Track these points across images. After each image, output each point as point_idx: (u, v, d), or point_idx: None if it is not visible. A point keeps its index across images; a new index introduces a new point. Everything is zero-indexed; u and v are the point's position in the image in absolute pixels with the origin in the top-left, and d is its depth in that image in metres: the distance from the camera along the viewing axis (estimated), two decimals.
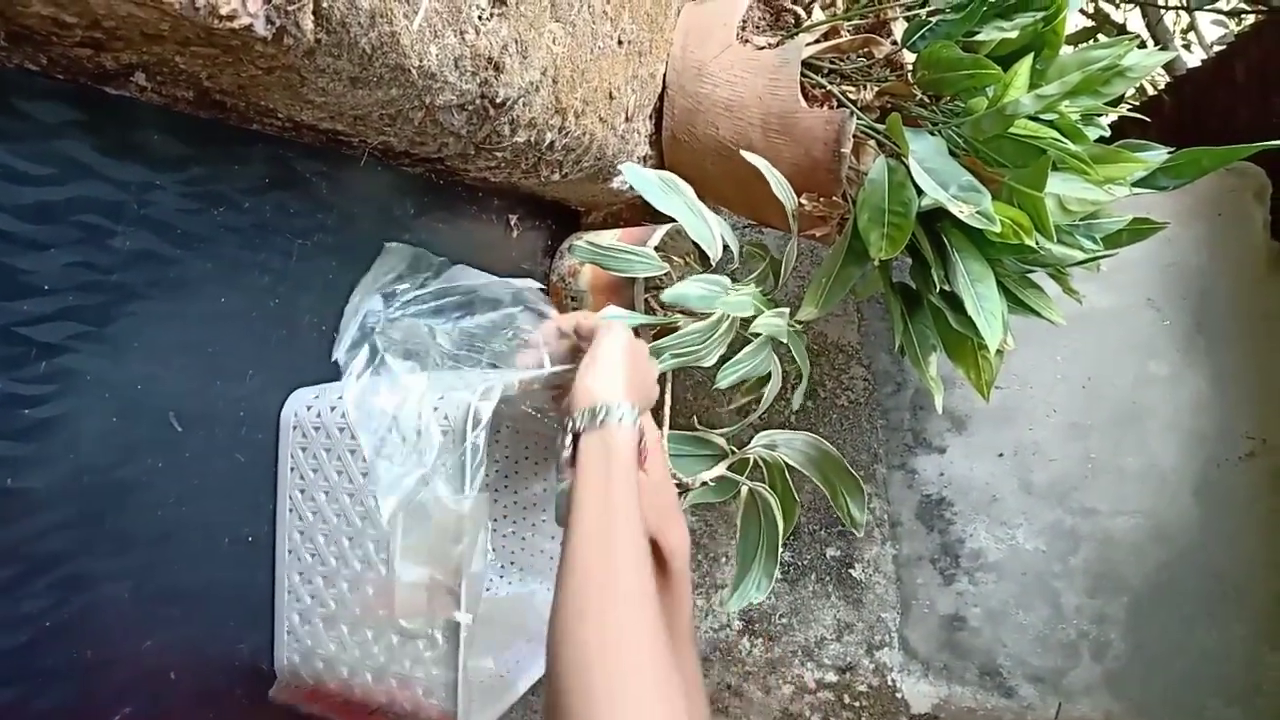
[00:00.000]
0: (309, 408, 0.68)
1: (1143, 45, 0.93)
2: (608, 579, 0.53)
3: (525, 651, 0.82)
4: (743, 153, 0.87)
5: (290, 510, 0.69)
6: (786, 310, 0.90)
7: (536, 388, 0.71)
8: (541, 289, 0.90)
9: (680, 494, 0.91)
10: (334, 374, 0.73)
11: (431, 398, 0.64)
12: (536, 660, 0.81)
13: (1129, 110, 1.03)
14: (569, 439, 0.61)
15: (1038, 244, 0.83)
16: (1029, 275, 0.97)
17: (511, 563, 0.92)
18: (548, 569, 0.90)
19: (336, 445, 0.66)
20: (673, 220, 0.86)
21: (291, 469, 0.68)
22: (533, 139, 0.78)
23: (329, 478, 0.67)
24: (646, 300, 1.02)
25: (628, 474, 0.60)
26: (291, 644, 0.69)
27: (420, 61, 0.56)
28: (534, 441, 0.92)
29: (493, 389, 0.63)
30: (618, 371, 0.65)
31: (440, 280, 0.83)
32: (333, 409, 0.67)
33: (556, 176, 0.92)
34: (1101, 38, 2.05)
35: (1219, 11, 2.20)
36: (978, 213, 0.79)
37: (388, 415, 0.64)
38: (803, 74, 0.93)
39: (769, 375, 0.93)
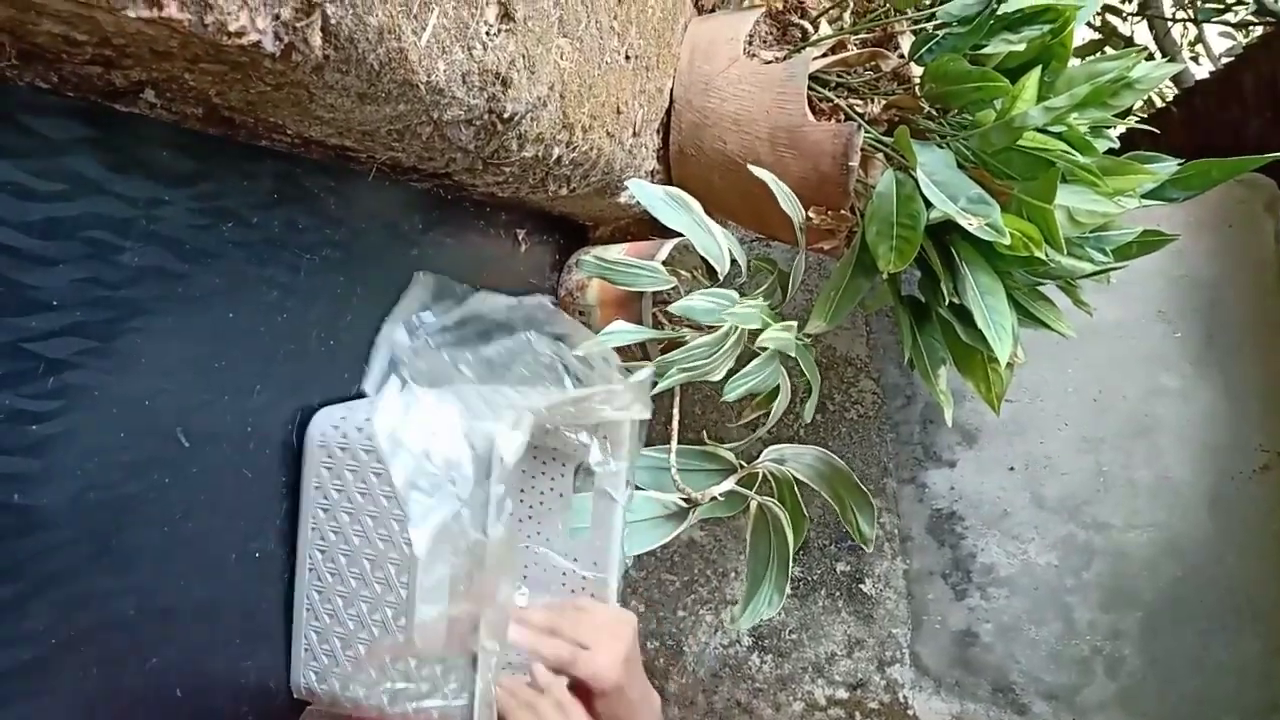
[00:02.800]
0: (335, 427, 0.68)
1: (1151, 57, 0.93)
2: None
3: None
4: (750, 167, 0.87)
5: (313, 529, 0.68)
6: (794, 324, 0.90)
7: (563, 410, 0.71)
8: (553, 302, 0.90)
9: (689, 509, 0.91)
10: (343, 388, 0.73)
11: (462, 428, 0.64)
12: None
13: (1137, 122, 1.02)
14: None
15: (1047, 256, 0.83)
16: (1039, 288, 0.96)
17: (524, 578, 0.92)
18: (557, 584, 0.90)
19: (362, 468, 0.66)
20: (680, 235, 0.86)
21: (316, 487, 0.68)
22: (540, 154, 0.78)
23: (353, 499, 0.66)
24: (654, 314, 1.02)
25: None
26: (309, 662, 0.69)
27: (428, 77, 0.56)
28: (550, 456, 0.92)
29: (522, 419, 0.63)
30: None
31: (462, 309, 0.84)
32: (359, 430, 0.66)
33: (564, 191, 0.92)
34: (1109, 50, 2.04)
35: (1227, 24, 2.20)
36: (987, 225, 0.79)
37: (418, 447, 0.63)
38: (810, 88, 0.93)
39: (777, 389, 0.92)
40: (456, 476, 0.62)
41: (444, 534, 0.61)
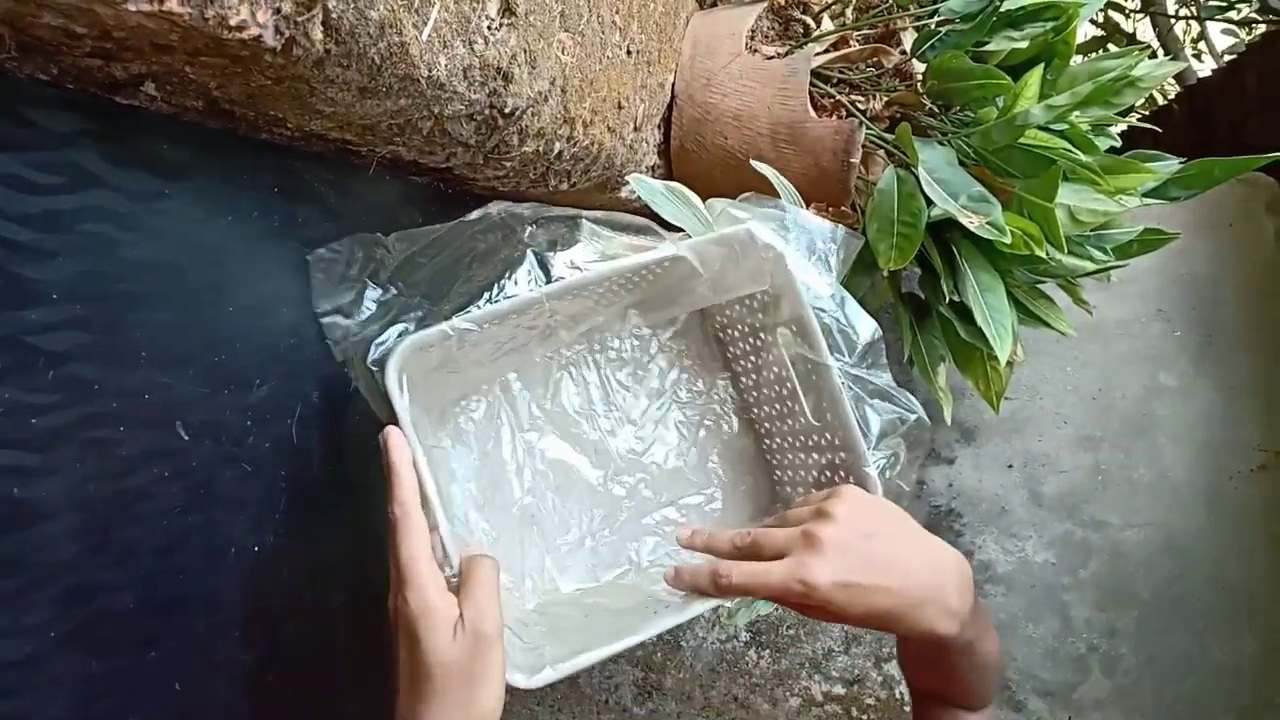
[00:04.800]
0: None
1: (1153, 55, 0.93)
2: None
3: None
4: (752, 162, 0.87)
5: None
6: None
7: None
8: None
9: None
10: (344, 384, 0.73)
11: None
12: None
13: (1139, 120, 1.02)
14: None
15: (1048, 255, 0.83)
16: (1039, 286, 0.96)
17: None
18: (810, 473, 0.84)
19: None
20: (681, 230, 0.86)
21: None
22: (541, 149, 0.78)
23: None
24: None
25: None
26: None
27: (429, 71, 0.56)
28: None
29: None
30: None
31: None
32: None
33: (565, 186, 0.92)
34: (1112, 47, 2.04)
35: (1230, 21, 2.20)
36: (988, 223, 0.79)
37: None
38: (812, 84, 0.93)
39: None
40: None
41: None
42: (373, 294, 0.71)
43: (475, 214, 0.78)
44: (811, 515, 0.62)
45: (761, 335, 0.80)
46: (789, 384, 0.77)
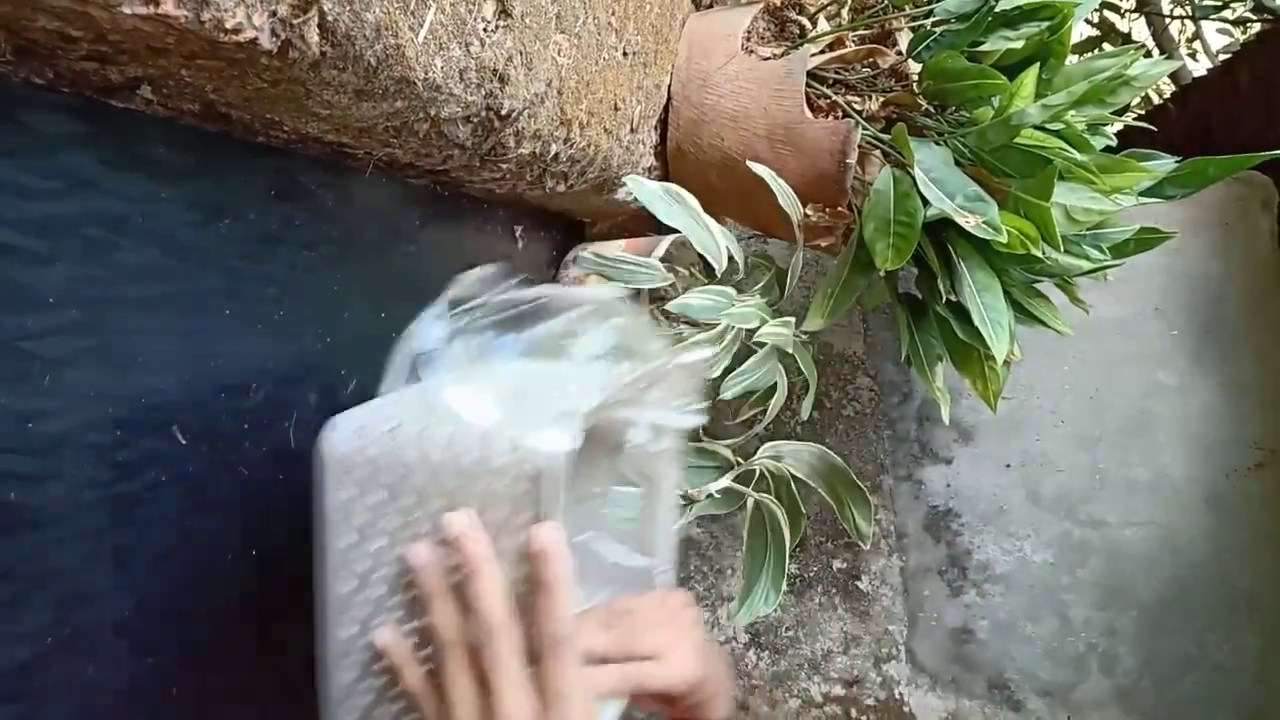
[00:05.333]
0: (357, 436, 0.57)
1: (1148, 54, 0.93)
2: None
3: None
4: (749, 163, 0.87)
5: (341, 561, 0.57)
6: (791, 320, 0.90)
7: (616, 397, 0.61)
8: (621, 295, 0.83)
9: (686, 505, 0.91)
10: (341, 386, 0.73)
11: (502, 435, 0.54)
12: None
13: (1135, 119, 1.02)
14: None
15: (1044, 254, 0.83)
16: (1036, 285, 0.96)
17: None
18: (609, 576, 0.83)
19: (397, 483, 0.55)
20: (678, 231, 0.86)
21: (340, 510, 0.57)
22: (538, 150, 0.78)
23: (386, 521, 0.56)
24: (651, 311, 1.02)
25: None
26: (349, 707, 0.58)
27: (425, 74, 0.56)
28: (599, 437, 0.86)
29: (571, 422, 0.53)
30: None
31: (506, 295, 0.72)
32: (380, 444, 0.56)
33: (561, 188, 0.92)
34: (1107, 46, 2.05)
35: (1225, 20, 2.20)
36: (984, 223, 0.79)
37: (437, 464, 0.54)
38: (808, 84, 0.93)
39: (774, 386, 0.93)
40: (492, 493, 0.53)
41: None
42: None
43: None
44: None
45: None
46: None
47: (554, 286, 0.77)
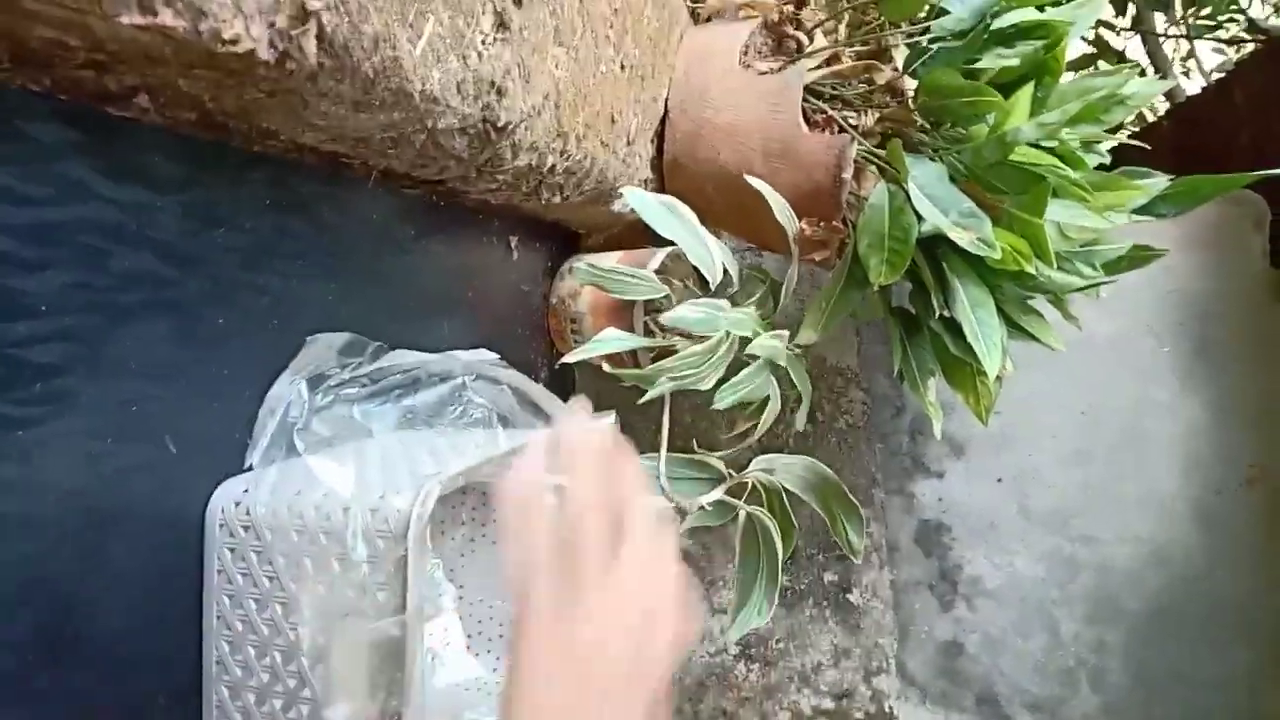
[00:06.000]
0: (237, 503, 0.61)
1: (1143, 73, 0.94)
2: None
3: None
4: (745, 177, 0.87)
5: (218, 618, 0.61)
6: (785, 333, 0.90)
7: (490, 470, 0.63)
8: (499, 360, 0.83)
9: (679, 517, 0.91)
10: None
11: (364, 503, 0.58)
12: None
13: (1129, 137, 1.03)
14: None
15: (1037, 270, 0.83)
16: (1028, 301, 0.97)
17: (480, 633, 0.87)
18: (497, 636, 0.85)
19: (268, 549, 0.59)
20: (673, 243, 0.86)
21: (219, 571, 0.61)
22: (534, 162, 0.78)
23: (259, 584, 0.60)
24: (646, 323, 1.02)
25: None
26: None
27: (423, 85, 0.56)
28: (477, 496, 0.88)
29: (430, 491, 0.56)
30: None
31: (377, 363, 0.75)
32: (262, 506, 0.60)
33: (558, 199, 0.92)
34: (1102, 64, 2.06)
35: (1219, 39, 2.22)
36: (978, 239, 0.79)
37: (310, 528, 0.58)
38: (804, 99, 0.94)
39: (767, 399, 0.93)
40: (356, 560, 0.56)
41: (344, 625, 0.56)
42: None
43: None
44: None
45: None
46: None
47: (423, 355, 0.79)
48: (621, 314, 1.02)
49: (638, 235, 1.23)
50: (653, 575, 0.48)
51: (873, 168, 0.94)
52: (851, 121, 0.96)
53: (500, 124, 0.68)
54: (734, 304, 0.89)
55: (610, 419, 0.76)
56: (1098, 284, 0.92)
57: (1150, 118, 2.11)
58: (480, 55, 0.61)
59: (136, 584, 0.55)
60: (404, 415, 0.74)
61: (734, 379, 0.87)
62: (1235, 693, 1.19)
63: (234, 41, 0.42)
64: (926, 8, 0.93)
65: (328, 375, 0.70)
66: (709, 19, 1.15)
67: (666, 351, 0.87)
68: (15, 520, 0.46)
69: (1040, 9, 0.86)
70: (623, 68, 0.90)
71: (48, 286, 0.47)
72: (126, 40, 0.41)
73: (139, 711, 0.57)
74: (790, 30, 1.03)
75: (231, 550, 0.61)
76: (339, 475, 0.61)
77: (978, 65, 0.90)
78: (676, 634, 0.48)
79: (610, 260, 1.04)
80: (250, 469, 0.64)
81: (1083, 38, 2.09)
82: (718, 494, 0.91)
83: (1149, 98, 0.94)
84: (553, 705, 0.41)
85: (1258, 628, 1.19)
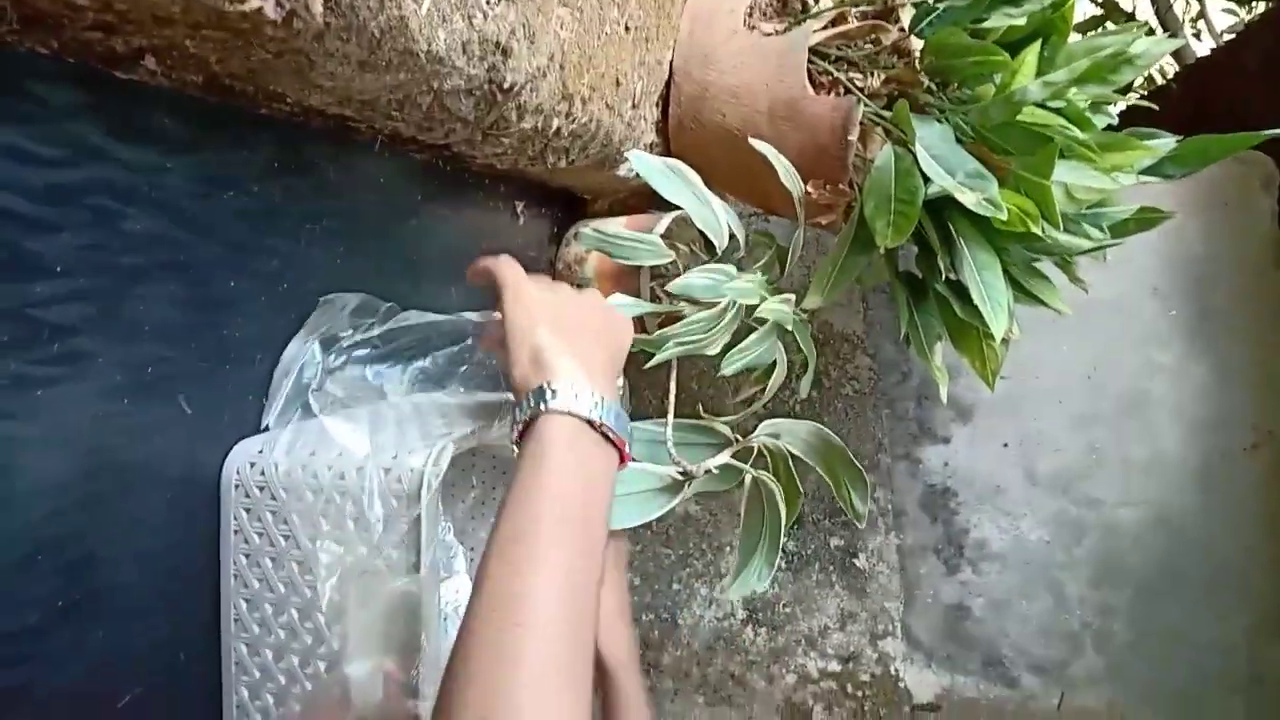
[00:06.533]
0: (252, 464, 0.62)
1: (1151, 33, 0.93)
2: (515, 645, 0.42)
3: None
4: (750, 140, 0.87)
5: (235, 576, 0.63)
6: (791, 298, 0.90)
7: (500, 433, 0.65)
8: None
9: (685, 482, 0.91)
10: None
11: (378, 462, 0.59)
12: None
13: (1138, 98, 1.02)
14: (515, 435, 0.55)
15: (1044, 232, 0.83)
16: (1035, 264, 0.96)
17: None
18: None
19: (283, 508, 0.61)
20: (679, 208, 0.86)
21: (236, 531, 0.63)
22: (540, 125, 0.78)
23: (275, 542, 0.61)
24: (652, 288, 1.02)
25: (569, 472, 0.51)
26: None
27: (428, 46, 0.56)
28: (487, 460, 0.89)
29: (444, 450, 0.59)
30: (530, 339, 0.57)
31: (388, 324, 0.76)
32: (277, 466, 0.62)
33: (563, 163, 0.92)
34: (1110, 25, 2.03)
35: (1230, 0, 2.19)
36: (985, 200, 0.79)
37: (325, 488, 0.59)
38: (810, 61, 0.93)
39: (774, 364, 0.93)
40: (372, 518, 0.58)
41: (357, 582, 0.58)
42: None
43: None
44: None
45: None
46: None
47: (433, 315, 0.79)
48: (628, 279, 1.02)
49: (644, 200, 1.23)
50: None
51: (879, 130, 0.93)
52: (857, 83, 0.95)
53: (506, 85, 0.67)
54: (740, 269, 0.89)
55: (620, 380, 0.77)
56: (1104, 246, 0.92)
57: (1160, 79, 2.09)
58: (485, 15, 0.61)
59: (154, 543, 0.56)
60: (416, 376, 0.75)
61: (741, 344, 0.87)
62: (1237, 655, 1.20)
63: (242, 0, 0.43)
64: None
65: (340, 337, 0.71)
66: None
67: (673, 317, 0.87)
68: (34, 479, 0.47)
69: None
70: (627, 29, 0.89)
71: (62, 247, 0.47)
72: (135, 0, 0.41)
73: (158, 667, 0.58)
74: None
75: (247, 510, 0.62)
76: (353, 436, 0.62)
77: (984, 25, 0.89)
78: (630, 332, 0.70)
79: (616, 225, 1.04)
80: (265, 429, 0.65)
81: None
82: (724, 458, 0.92)
83: (1157, 56, 0.93)
84: (541, 316, 0.59)
85: (1259, 592, 1.19)
